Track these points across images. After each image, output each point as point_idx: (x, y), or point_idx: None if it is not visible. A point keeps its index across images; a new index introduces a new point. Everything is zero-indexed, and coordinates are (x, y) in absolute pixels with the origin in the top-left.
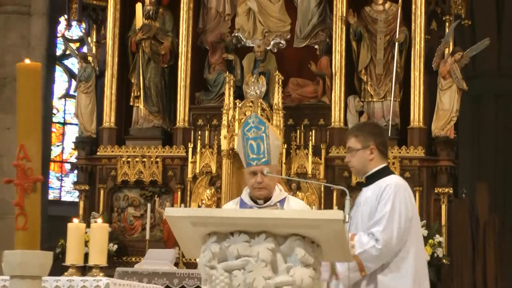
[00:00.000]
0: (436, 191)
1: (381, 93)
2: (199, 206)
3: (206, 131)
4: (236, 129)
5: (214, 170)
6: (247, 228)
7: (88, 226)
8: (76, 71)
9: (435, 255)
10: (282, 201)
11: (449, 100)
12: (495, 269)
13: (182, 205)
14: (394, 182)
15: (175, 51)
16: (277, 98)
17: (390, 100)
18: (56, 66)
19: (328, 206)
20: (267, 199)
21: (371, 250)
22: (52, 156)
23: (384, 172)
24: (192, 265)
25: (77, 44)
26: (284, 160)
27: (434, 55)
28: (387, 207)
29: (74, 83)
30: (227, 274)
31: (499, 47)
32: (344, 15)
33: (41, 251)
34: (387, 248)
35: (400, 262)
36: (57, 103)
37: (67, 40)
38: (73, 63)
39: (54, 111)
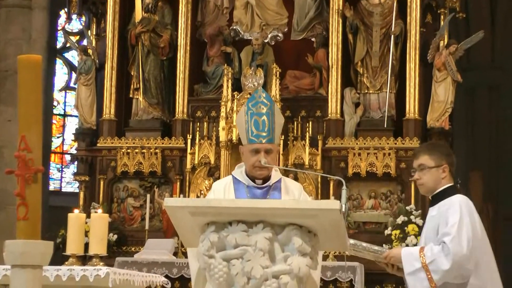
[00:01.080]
0: None
1: (377, 85)
2: (197, 196)
3: (205, 123)
4: (234, 121)
5: (212, 161)
6: (245, 218)
7: (88, 216)
8: (76, 64)
9: None
10: (278, 182)
11: (444, 92)
12: None
13: (181, 195)
14: (459, 199)
15: (174, 44)
16: (274, 90)
17: (386, 92)
18: (57, 59)
19: (325, 196)
20: (265, 179)
21: (442, 260)
22: (53, 148)
23: (450, 191)
24: None
25: (77, 37)
26: (281, 151)
27: (429, 47)
28: (455, 219)
29: (74, 75)
30: (225, 263)
31: (493, 40)
32: (341, 8)
33: (42, 240)
34: (458, 258)
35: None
36: (57, 95)
37: (67, 33)
38: (73, 56)
39: (55, 103)
